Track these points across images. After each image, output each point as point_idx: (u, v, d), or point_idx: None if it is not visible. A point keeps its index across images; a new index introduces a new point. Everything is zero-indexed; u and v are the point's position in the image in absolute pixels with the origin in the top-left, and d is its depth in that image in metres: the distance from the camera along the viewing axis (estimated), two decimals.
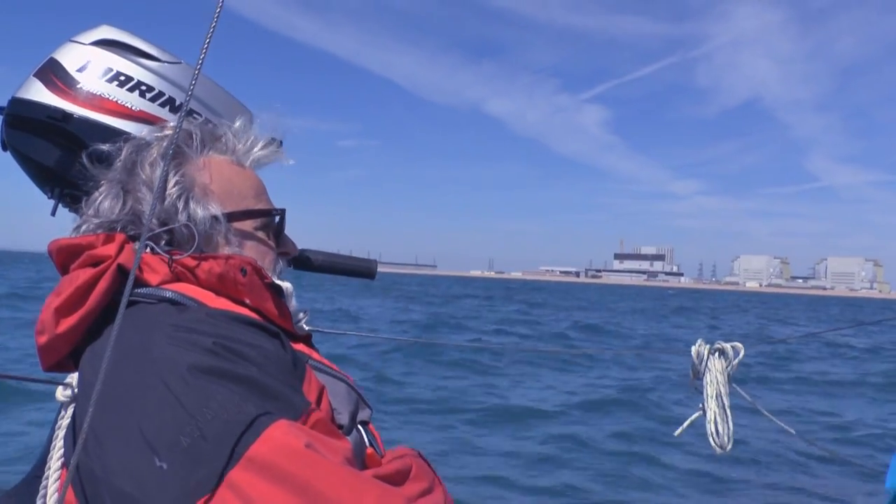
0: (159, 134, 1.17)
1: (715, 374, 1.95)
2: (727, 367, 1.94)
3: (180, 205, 1.08)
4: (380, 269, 1.74)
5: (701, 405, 2.07)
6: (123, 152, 1.14)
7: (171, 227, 1.07)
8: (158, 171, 1.08)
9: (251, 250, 1.16)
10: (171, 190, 1.08)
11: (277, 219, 1.23)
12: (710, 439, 2.04)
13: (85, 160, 1.16)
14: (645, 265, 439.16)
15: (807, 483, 6.75)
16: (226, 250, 1.12)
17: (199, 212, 1.09)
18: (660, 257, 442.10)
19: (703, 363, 1.96)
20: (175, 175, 1.10)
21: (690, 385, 2.19)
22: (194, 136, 1.17)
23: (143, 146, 1.15)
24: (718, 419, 2.00)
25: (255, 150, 1.24)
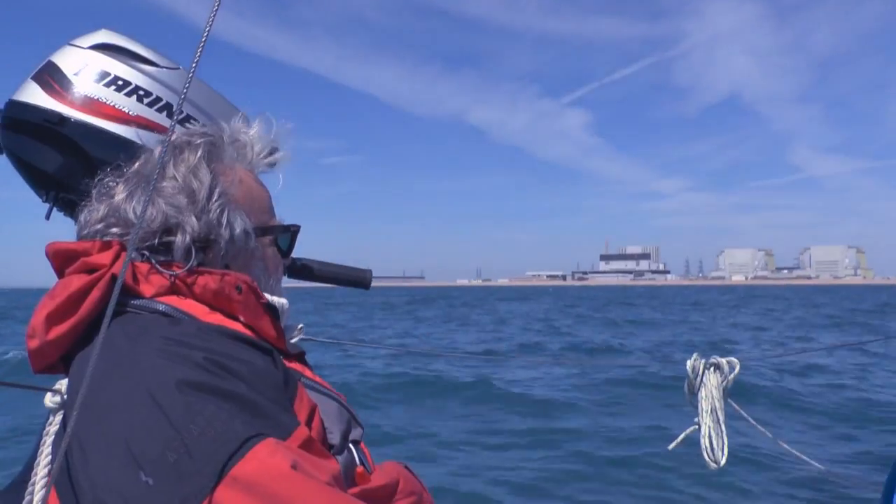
0: (189, 138, 1.14)
1: (710, 389, 1.93)
2: (722, 383, 1.92)
3: (224, 220, 1.07)
4: None
5: (696, 420, 2.05)
6: (157, 154, 1.11)
7: (210, 237, 1.06)
8: (204, 179, 1.07)
9: (268, 264, 1.17)
10: (214, 203, 1.07)
11: (290, 236, 1.24)
12: (704, 454, 2.03)
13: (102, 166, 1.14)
14: (631, 265, 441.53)
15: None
16: (251, 265, 1.13)
17: (237, 227, 1.09)
18: (646, 256, 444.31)
19: (699, 378, 1.94)
20: (217, 187, 1.08)
21: (687, 400, 2.18)
22: (226, 144, 1.16)
23: (176, 148, 1.12)
24: (713, 434, 1.98)
25: (265, 160, 1.23)
